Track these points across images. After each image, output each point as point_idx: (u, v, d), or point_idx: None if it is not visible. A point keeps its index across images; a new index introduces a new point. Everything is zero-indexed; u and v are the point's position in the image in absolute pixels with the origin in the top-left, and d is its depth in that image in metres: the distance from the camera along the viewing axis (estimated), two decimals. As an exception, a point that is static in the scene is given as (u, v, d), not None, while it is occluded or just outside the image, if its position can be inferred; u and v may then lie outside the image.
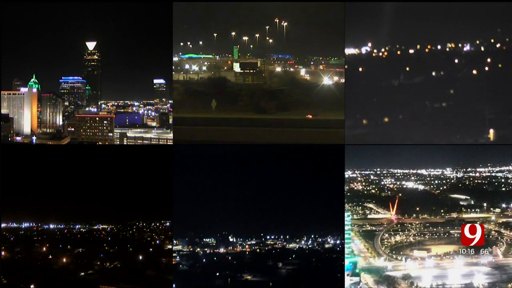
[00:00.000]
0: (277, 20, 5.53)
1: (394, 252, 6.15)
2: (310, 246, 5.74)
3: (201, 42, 5.74)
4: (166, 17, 5.10)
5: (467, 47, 5.59)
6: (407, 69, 5.72)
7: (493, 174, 6.66)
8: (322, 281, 5.50)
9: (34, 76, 5.97)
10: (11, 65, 5.44)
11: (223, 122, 5.49)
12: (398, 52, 5.67)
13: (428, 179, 6.71)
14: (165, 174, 5.16)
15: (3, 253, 5.37)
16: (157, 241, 5.78)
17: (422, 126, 5.85)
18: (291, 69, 5.61)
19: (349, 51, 5.41)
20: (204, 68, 5.84)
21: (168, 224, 5.66)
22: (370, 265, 6.05)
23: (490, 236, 6.61)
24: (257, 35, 5.63)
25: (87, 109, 6.20)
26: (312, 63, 5.55)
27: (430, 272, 6.07)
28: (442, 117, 5.86)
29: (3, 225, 5.40)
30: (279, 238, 5.75)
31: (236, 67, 5.78)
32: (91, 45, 6.08)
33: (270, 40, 5.61)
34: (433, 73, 5.69)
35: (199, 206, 5.37)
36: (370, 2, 5.25)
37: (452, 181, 6.93)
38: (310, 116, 6.32)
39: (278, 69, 5.61)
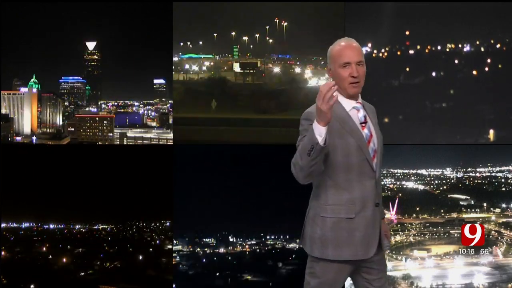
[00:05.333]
0: (277, 20, 5.53)
1: (394, 252, 6.17)
2: (310, 246, 5.76)
3: (201, 42, 5.74)
4: (166, 17, 5.10)
5: (467, 48, 5.58)
6: (407, 69, 5.73)
7: (493, 174, 6.65)
8: (322, 281, 5.51)
9: (34, 76, 5.98)
10: (11, 65, 5.45)
11: (223, 122, 5.49)
12: (398, 52, 5.68)
13: (428, 179, 6.70)
14: (165, 174, 5.16)
15: (3, 253, 5.37)
16: (157, 241, 5.80)
17: (422, 126, 5.87)
18: (292, 69, 5.63)
19: (349, 51, 5.42)
20: (204, 68, 5.84)
21: (168, 224, 5.68)
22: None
23: (490, 236, 6.61)
24: (257, 35, 5.63)
25: (87, 109, 6.20)
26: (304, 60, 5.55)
27: (430, 272, 6.08)
28: (442, 117, 5.88)
29: (3, 225, 5.40)
30: (279, 238, 5.75)
31: (236, 67, 5.78)
32: (91, 45, 6.07)
33: (270, 40, 5.62)
34: (433, 73, 5.69)
35: (199, 206, 5.38)
36: (370, 2, 5.26)
37: (452, 181, 6.92)
38: None
39: (279, 69, 5.62)
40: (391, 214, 6.33)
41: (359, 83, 2.09)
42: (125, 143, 5.76)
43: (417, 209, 6.20)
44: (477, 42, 5.47)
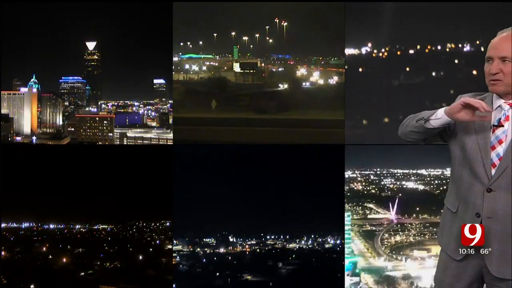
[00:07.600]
0: (277, 20, 5.53)
1: (394, 252, 6.16)
2: (310, 246, 5.73)
3: (201, 42, 5.74)
4: (166, 17, 5.10)
5: (467, 47, 5.59)
6: (407, 69, 5.73)
7: (493, 174, 6.70)
8: (322, 281, 5.50)
9: (34, 76, 5.98)
10: (11, 65, 5.45)
11: (223, 122, 5.50)
12: (398, 52, 5.68)
13: (428, 179, 6.71)
14: (165, 174, 5.16)
15: (3, 253, 5.37)
16: (157, 241, 5.80)
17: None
18: (293, 69, 5.63)
19: (349, 51, 5.40)
20: (204, 68, 5.84)
21: (168, 224, 5.67)
22: (370, 265, 6.06)
23: (490, 236, 6.63)
24: (257, 35, 5.63)
25: (87, 109, 6.20)
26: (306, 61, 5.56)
27: (430, 272, 6.08)
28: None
29: (3, 225, 5.40)
30: (279, 238, 5.75)
31: (236, 67, 5.78)
32: (91, 45, 6.07)
33: (270, 40, 5.61)
34: (433, 73, 5.69)
35: (199, 206, 5.38)
36: (370, 2, 5.26)
37: (452, 181, 6.97)
38: None
39: (279, 69, 5.62)
40: (391, 214, 6.35)
41: (500, 81, 1.85)
42: (125, 143, 5.76)
43: (417, 209, 6.20)
44: (477, 42, 5.47)
